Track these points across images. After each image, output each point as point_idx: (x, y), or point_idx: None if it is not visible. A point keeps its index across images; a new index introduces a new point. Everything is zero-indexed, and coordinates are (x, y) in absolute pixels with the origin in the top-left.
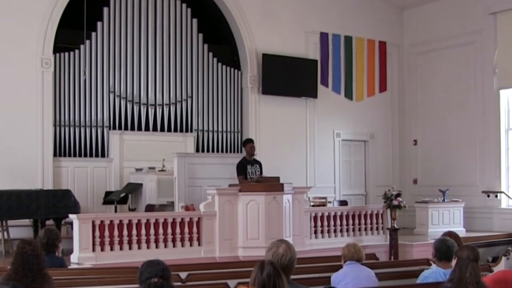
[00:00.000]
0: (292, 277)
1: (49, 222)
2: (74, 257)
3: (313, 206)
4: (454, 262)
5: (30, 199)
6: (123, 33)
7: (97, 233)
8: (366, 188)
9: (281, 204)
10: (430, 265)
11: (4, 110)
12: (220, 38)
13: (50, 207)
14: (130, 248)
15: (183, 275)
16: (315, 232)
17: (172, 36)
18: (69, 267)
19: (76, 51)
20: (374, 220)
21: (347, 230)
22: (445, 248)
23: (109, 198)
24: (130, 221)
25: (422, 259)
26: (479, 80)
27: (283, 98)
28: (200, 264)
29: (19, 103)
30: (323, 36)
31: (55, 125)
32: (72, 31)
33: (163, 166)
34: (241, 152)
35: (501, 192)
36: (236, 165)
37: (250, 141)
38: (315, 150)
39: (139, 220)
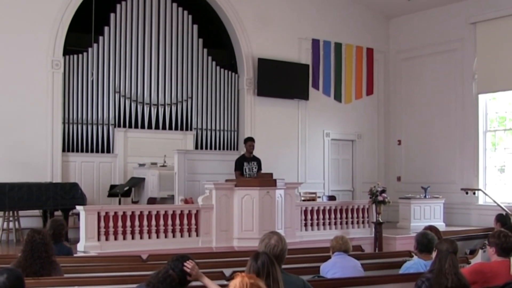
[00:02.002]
0: (283, 266)
1: (58, 213)
2: (80, 246)
3: (303, 200)
4: (434, 254)
5: (39, 191)
6: (129, 37)
7: (102, 224)
8: (353, 184)
9: (274, 199)
10: (412, 256)
11: (16, 107)
12: (219, 43)
13: (59, 199)
14: (133, 238)
15: None
16: (305, 224)
17: (174, 40)
18: (76, 255)
19: (85, 53)
20: (360, 214)
21: (335, 223)
22: (426, 241)
23: (114, 191)
24: (133, 212)
25: (404, 251)
26: (460, 85)
27: (277, 100)
28: (197, 253)
29: (31, 101)
30: (315, 43)
31: (64, 123)
32: (81, 35)
33: (165, 162)
34: (237, 149)
35: (478, 189)
36: (234, 161)
37: (250, 139)
38: (306, 149)
39: (141, 212)
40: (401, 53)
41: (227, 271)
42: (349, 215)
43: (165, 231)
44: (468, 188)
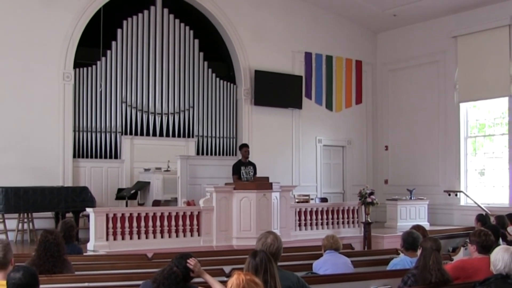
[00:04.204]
0: (279, 264)
1: (69, 214)
2: (90, 245)
3: (297, 202)
4: (419, 251)
5: (52, 195)
6: (135, 51)
7: (110, 225)
8: (343, 187)
9: (270, 201)
10: (399, 254)
11: (31, 117)
12: (218, 56)
13: (70, 202)
14: (139, 237)
15: None
16: (299, 225)
17: (177, 54)
18: (86, 254)
19: (94, 66)
20: (351, 215)
21: (327, 223)
22: (412, 239)
23: (121, 194)
24: (139, 214)
25: (391, 249)
26: (442, 94)
27: (272, 109)
28: (199, 252)
29: (44, 111)
30: (307, 55)
31: (74, 131)
32: (90, 49)
33: (168, 166)
34: (235, 155)
35: (460, 191)
36: (232, 166)
37: (245, 145)
38: (299, 154)
39: (147, 214)
40: (388, 65)
41: (227, 268)
42: (340, 215)
43: (169, 231)
44: (450, 190)
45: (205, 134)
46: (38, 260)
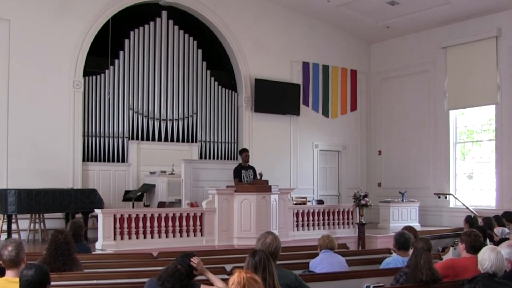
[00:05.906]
0: (278, 262)
1: (78, 215)
2: (98, 244)
3: (295, 204)
4: (410, 251)
5: (62, 196)
6: (141, 61)
7: (118, 225)
8: (339, 189)
9: (269, 202)
10: (391, 253)
11: (43, 123)
12: (220, 66)
13: (79, 203)
14: (144, 237)
15: None
16: (297, 225)
17: (181, 63)
18: (94, 252)
19: (102, 75)
20: (345, 216)
21: (323, 224)
22: (403, 239)
23: (128, 196)
24: (145, 215)
25: (384, 249)
26: (432, 102)
27: (271, 115)
28: (202, 251)
29: (55, 117)
30: (305, 65)
31: (84, 136)
32: (99, 59)
33: (173, 170)
34: (237, 159)
35: (449, 194)
36: (233, 170)
37: (245, 150)
38: (297, 158)
39: (152, 214)
40: (381, 74)
41: (228, 267)
42: (336, 217)
43: (173, 231)
44: (440, 193)
45: (208, 139)
46: (49, 258)
